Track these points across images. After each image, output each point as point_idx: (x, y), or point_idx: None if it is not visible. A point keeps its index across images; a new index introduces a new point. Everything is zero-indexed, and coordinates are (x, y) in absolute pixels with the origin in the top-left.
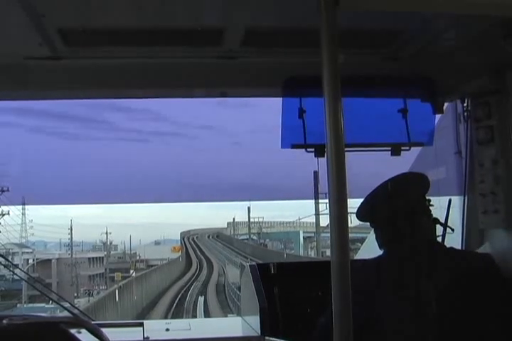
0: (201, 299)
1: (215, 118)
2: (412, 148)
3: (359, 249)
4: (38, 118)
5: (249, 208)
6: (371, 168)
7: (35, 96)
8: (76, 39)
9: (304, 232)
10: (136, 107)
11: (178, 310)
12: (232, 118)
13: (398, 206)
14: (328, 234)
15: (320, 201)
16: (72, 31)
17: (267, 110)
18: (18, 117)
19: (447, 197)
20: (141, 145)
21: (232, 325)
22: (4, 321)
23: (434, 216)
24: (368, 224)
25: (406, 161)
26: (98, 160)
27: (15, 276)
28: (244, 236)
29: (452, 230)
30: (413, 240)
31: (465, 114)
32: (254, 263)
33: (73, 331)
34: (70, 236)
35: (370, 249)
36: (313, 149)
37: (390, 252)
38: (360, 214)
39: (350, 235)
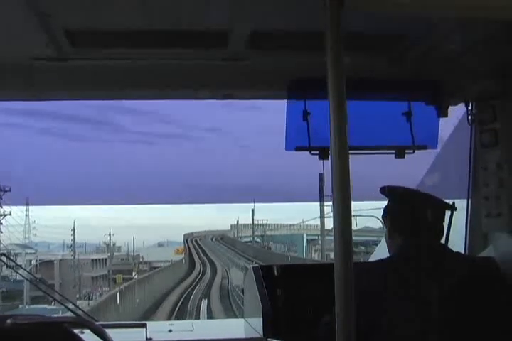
0: (204, 302)
1: (222, 121)
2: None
3: (362, 252)
4: (46, 120)
5: (253, 210)
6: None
7: (42, 97)
8: (82, 40)
9: (307, 235)
10: (144, 110)
11: (181, 313)
12: (238, 121)
13: (418, 203)
14: (332, 237)
15: (325, 203)
16: (79, 32)
17: (273, 113)
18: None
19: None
20: (148, 147)
21: (235, 326)
22: (8, 321)
23: None
24: (371, 229)
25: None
26: (104, 161)
27: (16, 277)
28: (248, 239)
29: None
30: (419, 239)
31: (469, 117)
32: (257, 265)
33: (76, 331)
34: (73, 237)
35: (383, 251)
36: (317, 152)
37: (397, 254)
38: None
39: (353, 238)
